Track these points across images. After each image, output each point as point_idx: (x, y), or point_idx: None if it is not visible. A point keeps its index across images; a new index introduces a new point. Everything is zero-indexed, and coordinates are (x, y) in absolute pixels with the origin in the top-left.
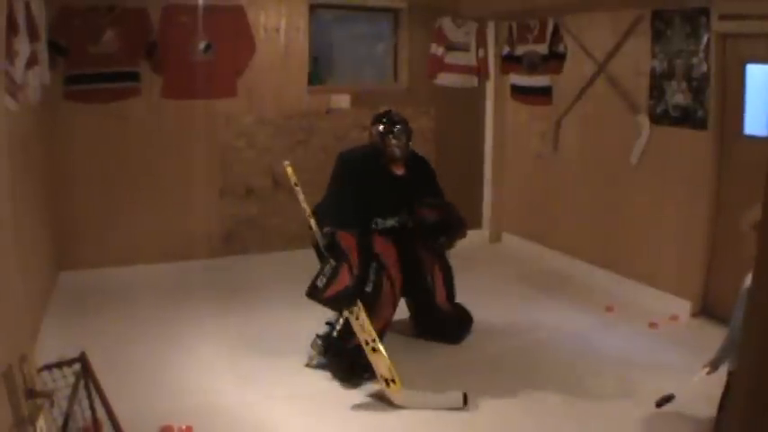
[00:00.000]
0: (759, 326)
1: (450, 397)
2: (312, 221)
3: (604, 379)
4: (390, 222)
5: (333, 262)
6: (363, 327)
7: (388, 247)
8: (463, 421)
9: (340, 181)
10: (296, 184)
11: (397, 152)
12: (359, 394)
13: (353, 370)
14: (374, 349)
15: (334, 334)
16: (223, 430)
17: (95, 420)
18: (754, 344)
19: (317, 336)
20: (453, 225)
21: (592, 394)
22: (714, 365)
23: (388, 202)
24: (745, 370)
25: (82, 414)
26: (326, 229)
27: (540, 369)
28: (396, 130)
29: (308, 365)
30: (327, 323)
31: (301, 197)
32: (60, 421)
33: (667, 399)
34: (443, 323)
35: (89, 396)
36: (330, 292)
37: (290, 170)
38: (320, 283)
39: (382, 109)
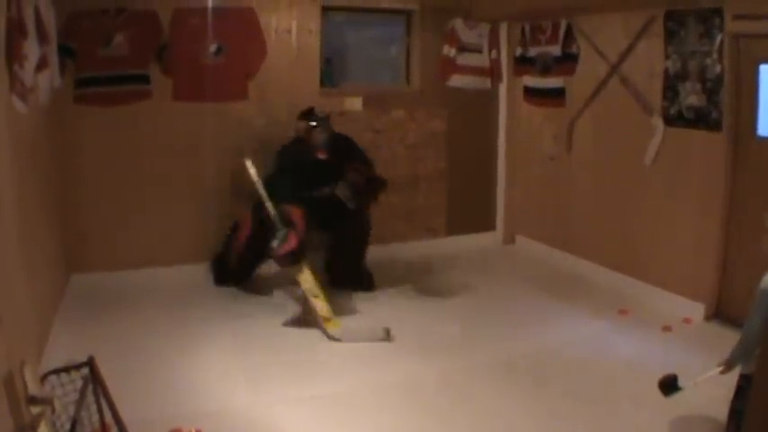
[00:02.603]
0: None
1: (376, 331)
2: (269, 205)
3: (617, 382)
4: (326, 191)
5: (284, 229)
6: (307, 279)
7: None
8: (477, 423)
9: (281, 166)
10: (257, 181)
11: (320, 143)
12: (372, 393)
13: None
14: (316, 295)
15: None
16: None
17: (103, 425)
18: None
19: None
20: (374, 182)
21: (605, 398)
22: (729, 365)
23: (315, 180)
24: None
25: (89, 419)
26: (281, 206)
27: (553, 372)
28: (317, 125)
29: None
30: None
31: (261, 188)
32: (68, 426)
33: (671, 381)
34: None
35: (97, 401)
36: (281, 251)
37: (250, 166)
38: (275, 244)
39: (306, 107)
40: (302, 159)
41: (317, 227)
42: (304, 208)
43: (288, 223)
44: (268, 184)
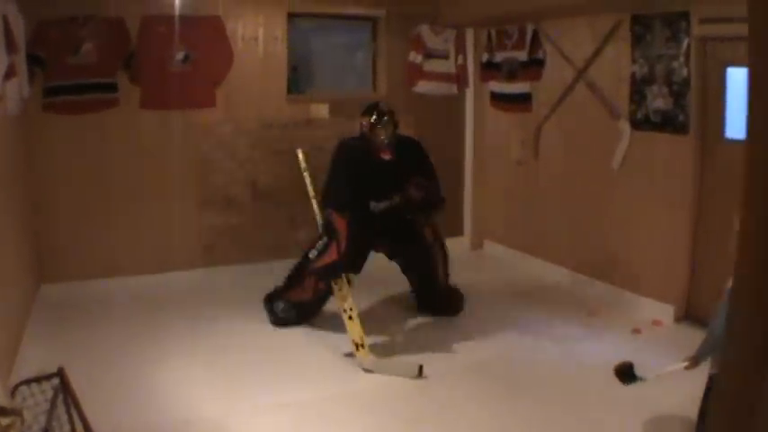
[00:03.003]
0: (741, 327)
1: (409, 366)
2: (314, 203)
3: (587, 385)
4: (383, 205)
5: (325, 238)
6: (345, 297)
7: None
8: (446, 428)
9: (337, 167)
10: (305, 170)
11: (384, 140)
12: (348, 399)
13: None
14: (351, 317)
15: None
16: None
17: None
18: (738, 345)
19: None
20: (432, 201)
21: (575, 401)
22: (694, 362)
23: (378, 186)
24: (730, 371)
25: (60, 429)
26: (327, 211)
27: (523, 376)
28: (382, 121)
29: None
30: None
31: (308, 181)
32: None
33: (627, 369)
34: (442, 298)
35: (68, 411)
36: (319, 263)
37: (301, 155)
38: (312, 255)
39: (371, 102)
40: (362, 158)
41: (378, 245)
42: (362, 220)
43: (330, 233)
44: (325, 184)
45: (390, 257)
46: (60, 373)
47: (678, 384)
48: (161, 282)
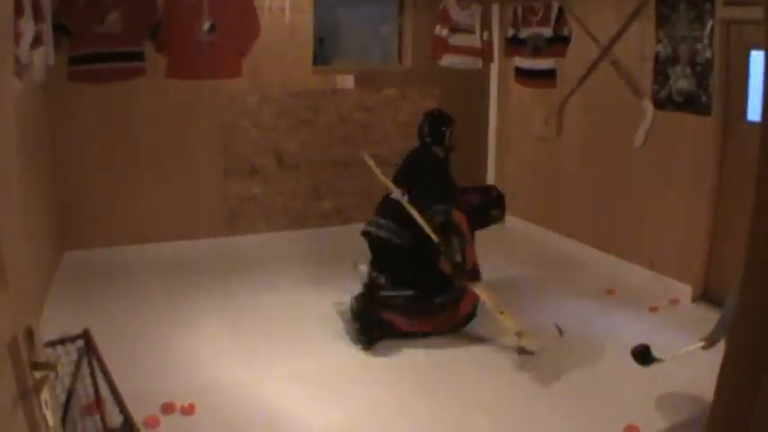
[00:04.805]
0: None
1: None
2: (404, 200)
3: (604, 362)
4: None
5: (458, 238)
6: (489, 295)
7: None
8: (464, 401)
9: (442, 167)
10: (380, 174)
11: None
12: (360, 369)
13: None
14: (502, 312)
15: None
16: (225, 408)
17: (98, 397)
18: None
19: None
20: (498, 200)
21: (591, 378)
22: (710, 341)
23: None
24: (741, 335)
25: (85, 391)
26: (440, 207)
27: (540, 352)
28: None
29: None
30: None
31: (386, 180)
32: (63, 398)
33: (644, 351)
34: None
35: (92, 373)
36: (469, 263)
37: (370, 161)
38: (458, 258)
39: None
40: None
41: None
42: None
43: (457, 232)
44: (429, 182)
45: None
46: (85, 335)
47: (693, 360)
48: (185, 249)
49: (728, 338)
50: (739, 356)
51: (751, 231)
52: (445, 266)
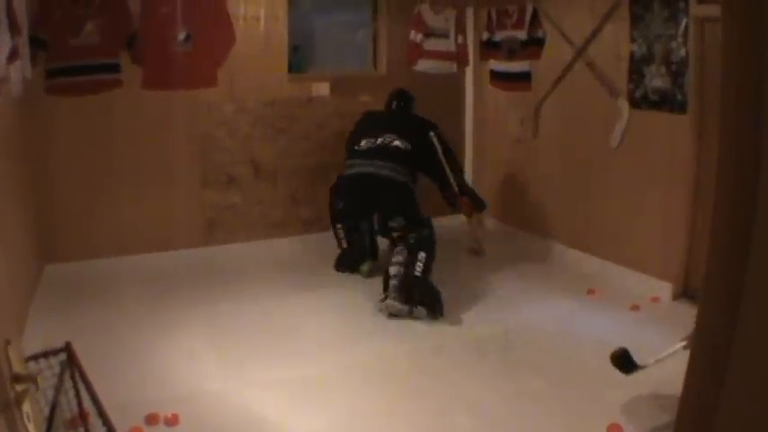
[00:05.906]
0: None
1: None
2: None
3: (586, 362)
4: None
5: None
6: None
7: None
8: (447, 403)
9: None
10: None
11: None
12: (344, 375)
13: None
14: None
15: (417, 273)
16: (209, 417)
17: (82, 410)
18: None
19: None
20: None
21: (574, 377)
22: (692, 341)
23: None
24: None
25: (68, 404)
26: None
27: (521, 353)
28: None
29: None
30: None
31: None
32: (47, 412)
33: (624, 356)
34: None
35: (75, 386)
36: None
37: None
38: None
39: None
40: None
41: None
42: None
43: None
44: (455, 161)
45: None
46: (68, 348)
47: (676, 359)
48: (164, 260)
49: (693, 338)
50: (702, 356)
51: (712, 229)
52: (455, 197)
